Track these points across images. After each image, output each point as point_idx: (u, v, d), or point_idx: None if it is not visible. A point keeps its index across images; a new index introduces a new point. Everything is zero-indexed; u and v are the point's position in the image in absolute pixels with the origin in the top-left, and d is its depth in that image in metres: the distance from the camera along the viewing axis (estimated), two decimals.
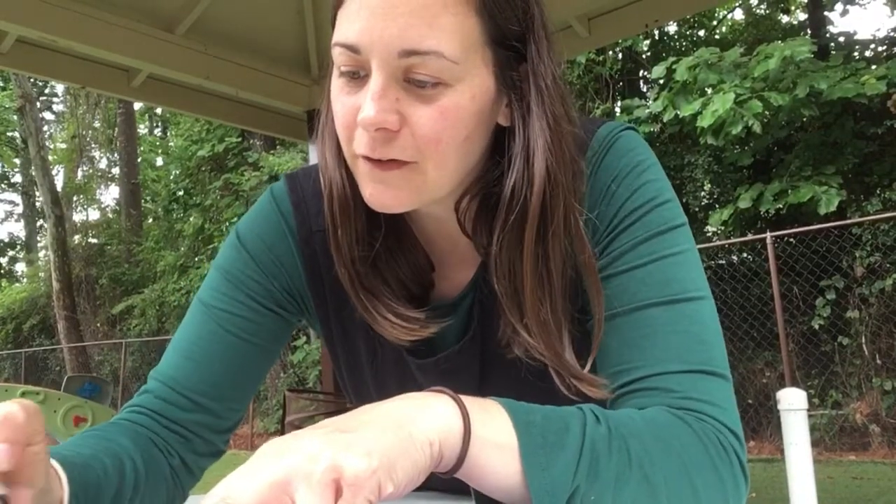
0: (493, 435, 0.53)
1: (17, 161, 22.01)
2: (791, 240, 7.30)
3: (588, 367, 0.67)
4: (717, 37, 11.88)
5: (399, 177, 0.64)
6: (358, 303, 0.73)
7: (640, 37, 10.34)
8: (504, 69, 0.66)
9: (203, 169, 14.98)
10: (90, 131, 19.16)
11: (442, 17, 0.60)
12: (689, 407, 0.63)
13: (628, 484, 0.55)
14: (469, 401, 0.54)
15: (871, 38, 9.72)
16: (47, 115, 22.60)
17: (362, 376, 0.85)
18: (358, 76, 0.64)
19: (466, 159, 0.67)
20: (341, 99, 0.65)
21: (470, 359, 0.78)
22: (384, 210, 0.68)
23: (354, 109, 0.63)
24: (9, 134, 20.13)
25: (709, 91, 7.77)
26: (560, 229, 0.67)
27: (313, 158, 3.79)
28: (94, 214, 20.71)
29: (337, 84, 0.66)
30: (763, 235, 7.10)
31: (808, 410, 2.85)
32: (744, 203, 7.89)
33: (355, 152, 0.65)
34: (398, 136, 0.63)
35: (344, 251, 0.72)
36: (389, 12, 0.60)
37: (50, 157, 18.57)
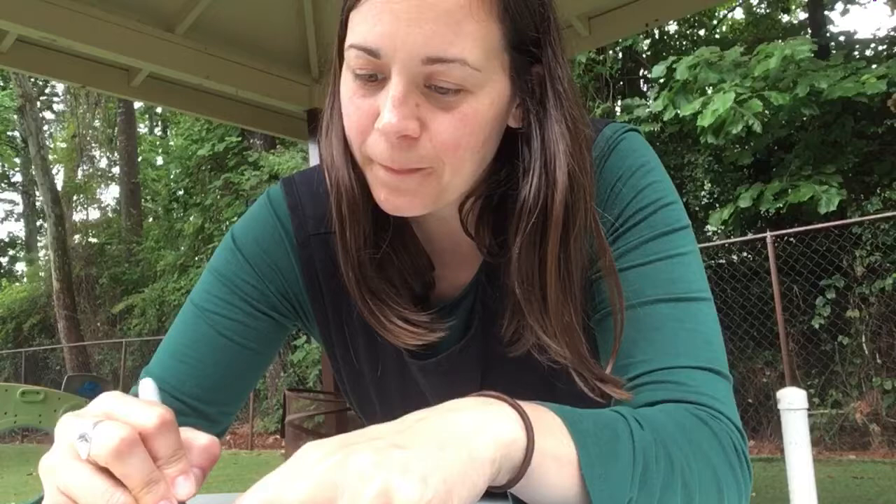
0: (553, 447, 0.50)
1: (18, 160, 22.02)
2: (791, 239, 7.30)
3: (610, 367, 0.67)
4: (717, 36, 11.88)
5: (415, 182, 0.64)
6: (363, 306, 0.72)
7: (641, 36, 10.35)
8: (520, 73, 0.66)
9: (203, 168, 14.98)
10: (90, 131, 19.16)
11: (466, 24, 0.59)
12: (702, 402, 0.63)
13: (671, 490, 0.55)
14: (528, 409, 0.50)
15: (872, 37, 9.73)
16: (47, 115, 22.62)
17: (362, 378, 0.85)
18: (375, 79, 0.62)
19: (481, 164, 0.67)
20: (356, 101, 0.64)
21: (471, 359, 0.78)
22: (398, 214, 0.67)
23: (370, 113, 0.63)
24: (9, 133, 20.13)
25: (709, 90, 7.77)
26: (581, 232, 0.67)
27: (313, 158, 3.80)
28: (94, 214, 20.73)
29: (351, 86, 0.64)
30: (763, 235, 7.11)
31: (808, 410, 2.85)
32: (744, 202, 7.89)
33: (369, 156, 0.65)
34: (417, 143, 0.62)
35: (351, 252, 0.71)
36: (415, 18, 0.58)
37: (50, 157, 18.58)
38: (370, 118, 0.63)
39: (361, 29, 0.61)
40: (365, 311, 0.72)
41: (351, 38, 0.62)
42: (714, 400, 0.64)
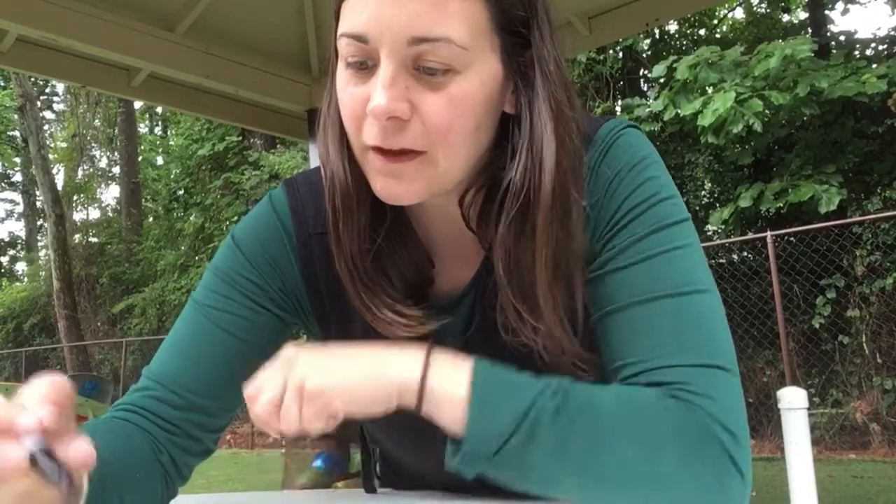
0: (447, 388, 0.61)
1: (18, 160, 22.04)
2: (791, 239, 7.30)
3: (609, 367, 0.67)
4: (717, 36, 11.88)
5: (410, 168, 0.65)
6: (357, 299, 0.73)
7: (641, 36, 10.35)
8: (511, 55, 0.66)
9: (203, 168, 15.00)
10: (90, 130, 19.18)
11: (451, 4, 0.60)
12: (681, 397, 0.63)
13: (568, 453, 0.58)
14: (439, 357, 0.62)
15: (872, 36, 9.74)
16: (48, 115, 22.61)
17: None
18: (366, 66, 0.64)
19: (476, 148, 0.67)
20: (349, 90, 0.65)
21: (473, 356, 0.78)
22: (395, 202, 0.67)
23: (363, 99, 0.63)
24: (9, 133, 20.14)
25: (709, 90, 7.77)
26: (564, 216, 0.67)
27: (314, 157, 3.79)
28: (94, 213, 20.78)
29: (344, 75, 0.66)
30: (763, 234, 7.11)
31: (809, 409, 2.85)
32: (744, 202, 7.89)
33: (365, 143, 0.65)
34: (409, 125, 0.63)
35: (345, 245, 0.72)
36: (399, 0, 0.60)
37: (50, 157, 18.60)
38: (363, 105, 0.63)
39: (350, 17, 0.63)
40: (357, 303, 0.73)
41: (341, 27, 0.64)
42: (698, 396, 0.62)
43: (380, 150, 0.64)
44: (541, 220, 0.66)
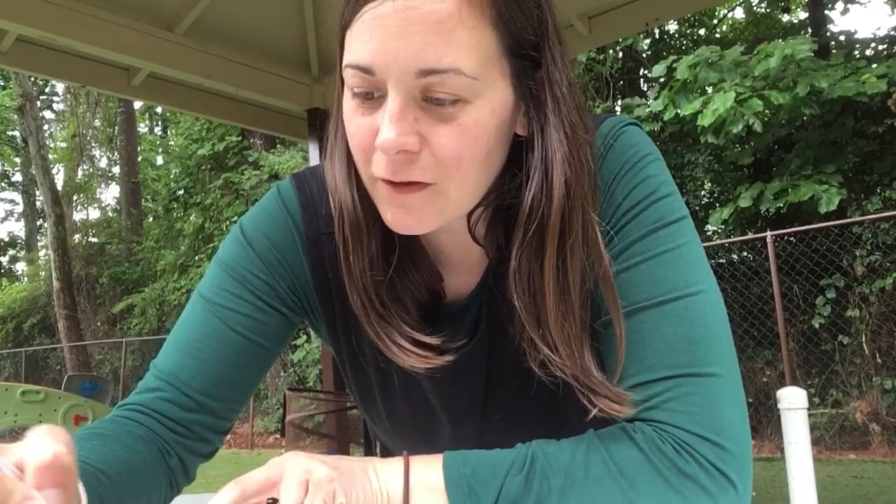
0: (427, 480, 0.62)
1: (18, 160, 22.02)
2: (791, 239, 7.30)
3: (615, 380, 0.66)
4: (717, 35, 11.88)
5: (420, 199, 0.63)
6: (371, 329, 0.71)
7: (641, 35, 10.34)
8: (521, 79, 0.64)
9: (203, 168, 14.98)
10: (90, 130, 19.17)
11: (458, 32, 0.58)
12: (657, 419, 0.62)
13: None
14: (420, 462, 0.63)
15: (872, 36, 9.73)
16: (48, 114, 22.61)
17: (367, 378, 0.84)
18: (372, 97, 0.62)
19: (487, 174, 0.66)
20: (356, 121, 0.64)
21: (477, 361, 0.78)
22: (407, 233, 0.66)
23: (371, 131, 0.62)
24: (9, 133, 20.13)
25: (709, 90, 7.76)
26: (579, 241, 0.65)
27: (313, 157, 3.80)
28: (94, 213, 20.77)
29: (350, 105, 0.64)
30: (763, 234, 7.10)
31: (809, 409, 2.85)
32: (744, 202, 7.88)
33: (374, 175, 0.64)
34: (418, 158, 0.61)
35: (356, 277, 0.71)
36: (404, 31, 0.58)
37: (50, 156, 18.59)
38: (371, 136, 0.62)
39: (355, 47, 0.61)
40: (371, 334, 0.72)
41: (346, 58, 0.62)
42: (668, 412, 0.62)
43: (388, 182, 0.63)
44: (552, 245, 0.64)
